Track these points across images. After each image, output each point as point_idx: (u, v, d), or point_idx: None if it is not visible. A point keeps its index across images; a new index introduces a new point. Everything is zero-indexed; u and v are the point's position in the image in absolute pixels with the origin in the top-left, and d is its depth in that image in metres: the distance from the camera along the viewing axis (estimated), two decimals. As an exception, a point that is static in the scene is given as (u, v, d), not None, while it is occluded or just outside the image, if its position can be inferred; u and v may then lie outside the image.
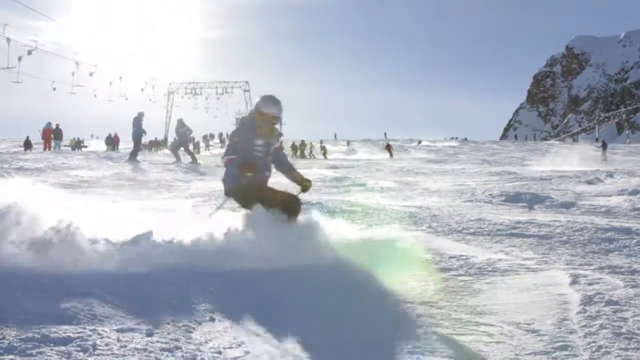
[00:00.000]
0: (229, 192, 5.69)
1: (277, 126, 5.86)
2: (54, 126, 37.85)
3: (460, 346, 3.05)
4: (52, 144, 37.01)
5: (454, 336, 3.19)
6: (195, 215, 6.30)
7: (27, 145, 41.66)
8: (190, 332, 3.15)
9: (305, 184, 5.71)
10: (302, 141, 54.79)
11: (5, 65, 43.20)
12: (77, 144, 50.69)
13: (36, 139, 43.94)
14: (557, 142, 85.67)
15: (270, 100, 5.58)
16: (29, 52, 44.44)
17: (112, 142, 49.95)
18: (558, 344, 3.05)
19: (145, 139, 26.41)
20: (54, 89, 49.10)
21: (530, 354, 2.95)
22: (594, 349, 2.97)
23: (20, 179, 11.47)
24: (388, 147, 48.91)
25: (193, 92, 75.83)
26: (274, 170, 5.77)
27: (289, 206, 5.36)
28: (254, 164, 5.40)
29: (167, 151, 23.27)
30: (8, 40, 41.75)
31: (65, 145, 49.38)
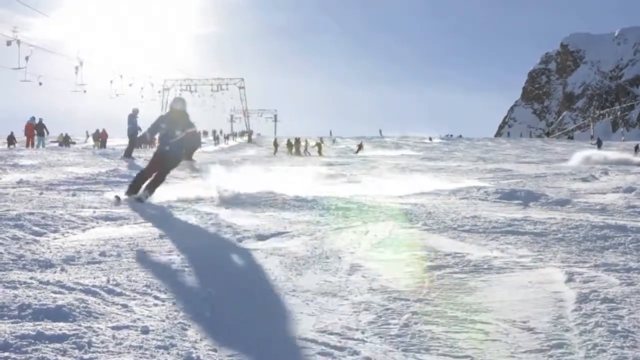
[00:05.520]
0: None
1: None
2: (37, 121, 33.15)
3: (456, 344, 3.05)
4: (35, 140, 32.69)
5: (450, 334, 3.19)
6: None
7: (11, 140, 39.18)
8: (186, 329, 3.14)
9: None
10: (297, 139, 54.75)
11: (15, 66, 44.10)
12: (65, 140, 48.98)
13: (19, 135, 39.27)
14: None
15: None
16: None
17: (99, 137, 48.57)
18: (554, 341, 3.06)
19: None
20: (40, 83, 48.52)
21: (525, 351, 2.95)
22: (589, 346, 2.98)
23: (17, 175, 11.43)
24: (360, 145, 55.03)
25: (188, 88, 75.64)
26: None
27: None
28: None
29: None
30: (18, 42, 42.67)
31: (53, 142, 48.02)
